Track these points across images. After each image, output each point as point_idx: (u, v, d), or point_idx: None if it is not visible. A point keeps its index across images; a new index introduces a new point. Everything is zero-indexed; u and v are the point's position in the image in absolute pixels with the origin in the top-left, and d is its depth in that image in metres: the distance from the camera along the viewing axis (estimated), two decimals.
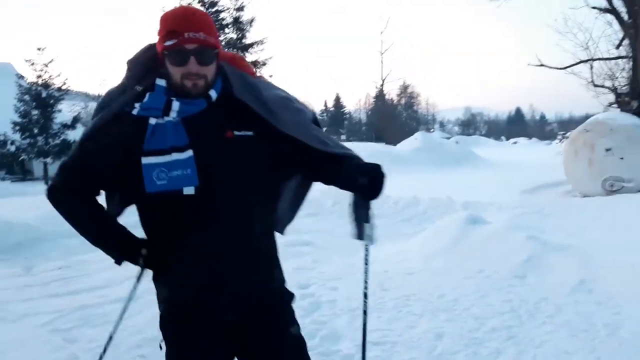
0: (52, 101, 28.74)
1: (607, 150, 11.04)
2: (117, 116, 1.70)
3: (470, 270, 5.37)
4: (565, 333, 3.85)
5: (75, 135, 31.34)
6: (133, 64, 1.80)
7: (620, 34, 16.69)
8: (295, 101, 1.94)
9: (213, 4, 31.39)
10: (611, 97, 17.07)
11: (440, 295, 4.76)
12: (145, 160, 1.65)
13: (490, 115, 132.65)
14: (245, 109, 1.74)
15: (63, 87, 29.64)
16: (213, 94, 1.72)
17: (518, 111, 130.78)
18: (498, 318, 4.16)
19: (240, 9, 31.71)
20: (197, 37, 1.63)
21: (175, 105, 1.66)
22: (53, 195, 1.77)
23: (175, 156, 1.64)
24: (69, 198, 1.77)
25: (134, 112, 1.68)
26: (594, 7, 16.88)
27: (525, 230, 6.14)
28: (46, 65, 28.52)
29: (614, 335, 3.75)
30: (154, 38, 1.77)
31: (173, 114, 1.66)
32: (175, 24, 1.65)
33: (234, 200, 1.71)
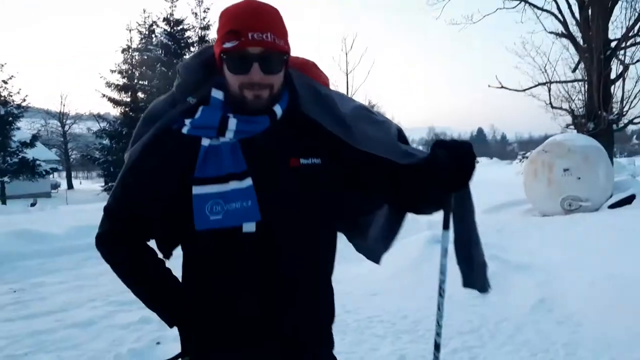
0: (10, 119, 28.03)
1: (565, 170, 11.30)
2: (163, 135, 1.42)
3: (434, 290, 5.35)
4: (525, 353, 3.88)
5: (34, 153, 30.64)
6: (185, 69, 1.51)
7: (576, 58, 17.26)
8: (377, 113, 1.64)
9: (178, 23, 31.31)
10: (568, 118, 17.58)
11: (404, 316, 4.76)
12: (197, 190, 1.35)
13: (453, 134, 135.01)
14: (315, 129, 1.45)
15: (23, 104, 28.98)
16: (278, 109, 1.42)
17: (480, 131, 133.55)
18: (459, 339, 4.18)
19: (205, 27, 31.71)
20: (263, 38, 1.34)
21: (232, 122, 1.38)
22: (102, 246, 1.49)
23: (234, 185, 1.35)
24: (118, 248, 1.48)
25: (184, 130, 1.40)
26: (551, 32, 17.43)
27: (486, 249, 6.20)
28: (5, 82, 27.87)
29: (574, 355, 3.81)
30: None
31: (229, 134, 1.38)
32: (237, 22, 1.36)
33: (298, 242, 1.43)
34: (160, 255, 1.51)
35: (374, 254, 1.78)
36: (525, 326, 4.39)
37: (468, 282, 1.67)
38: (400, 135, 1.60)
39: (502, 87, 17.86)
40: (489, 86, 18.08)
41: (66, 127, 45.54)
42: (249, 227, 1.36)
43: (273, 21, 1.39)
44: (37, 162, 29.69)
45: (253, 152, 1.39)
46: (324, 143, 1.46)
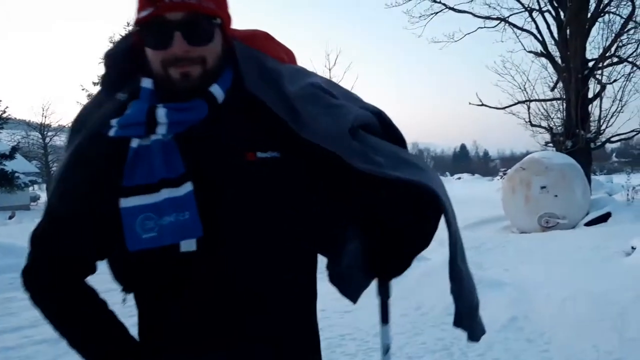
0: None
1: (542, 187, 11.44)
2: (89, 143, 1.15)
3: (407, 307, 5.39)
4: None
5: (14, 165, 30.28)
6: (110, 59, 1.23)
7: (555, 77, 17.57)
8: (340, 93, 1.28)
9: None
10: (548, 136, 17.84)
11: (376, 333, 4.72)
12: (125, 202, 1.09)
13: (436, 150, 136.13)
14: (267, 113, 1.15)
15: (3, 116, 28.71)
16: (217, 91, 1.14)
17: (463, 147, 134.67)
18: (430, 357, 4.17)
19: None
20: (185, 1, 1.07)
21: (161, 114, 1.10)
22: (26, 282, 1.20)
23: (167, 193, 1.08)
24: (45, 288, 1.19)
25: (111, 132, 1.13)
26: (530, 51, 17.73)
27: None
28: None
29: None
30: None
31: (161, 129, 1.11)
32: None
33: (256, 264, 1.13)
34: (101, 295, 1.23)
35: (350, 288, 1.37)
36: (496, 344, 4.40)
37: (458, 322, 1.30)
38: (369, 121, 1.24)
39: (482, 104, 18.08)
40: (469, 104, 18.31)
41: (47, 139, 45.14)
42: (188, 245, 1.09)
43: None
44: (16, 174, 29.33)
45: (193, 149, 1.12)
46: (279, 130, 1.15)
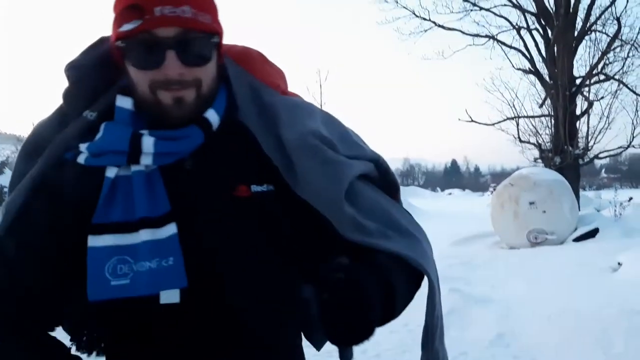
0: None
1: (531, 203, 11.51)
2: (52, 172, 0.98)
3: (395, 324, 5.34)
4: None
5: (3, 180, 30.06)
6: (76, 70, 1.05)
7: (543, 94, 17.75)
8: (339, 134, 1.11)
9: None
10: (536, 152, 17.98)
11: (363, 350, 4.74)
12: (93, 241, 0.93)
13: (428, 166, 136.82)
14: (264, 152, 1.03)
15: None
16: (213, 117, 1.00)
17: (454, 163, 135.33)
18: None
19: None
20: (179, 14, 0.92)
21: (148, 143, 0.95)
22: None
23: (147, 234, 0.93)
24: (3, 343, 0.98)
25: (80, 159, 0.97)
26: (518, 69, 17.93)
27: (449, 283, 6.26)
28: None
29: None
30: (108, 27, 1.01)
31: (146, 160, 0.96)
32: None
33: (251, 315, 0.99)
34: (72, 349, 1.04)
35: (314, 337, 1.19)
36: None
37: None
38: (375, 177, 1.12)
39: (472, 120, 18.22)
40: (459, 120, 18.45)
41: None
42: (170, 296, 0.93)
43: None
44: (5, 189, 29.16)
45: (181, 183, 0.98)
46: (274, 165, 1.02)
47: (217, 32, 0.99)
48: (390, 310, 0.98)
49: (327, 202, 0.99)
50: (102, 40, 1.08)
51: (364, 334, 0.88)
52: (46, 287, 0.98)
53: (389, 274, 0.97)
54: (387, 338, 5.01)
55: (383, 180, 1.16)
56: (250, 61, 1.13)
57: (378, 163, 1.14)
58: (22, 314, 0.98)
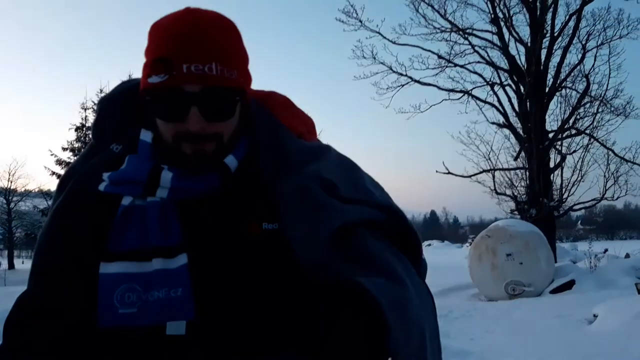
0: None
1: (508, 255, 11.61)
2: (76, 197, 1.04)
3: None
4: None
5: None
6: (105, 105, 1.13)
7: (517, 147, 18.18)
8: (351, 180, 1.07)
9: None
10: (512, 204, 18.26)
11: None
12: (105, 268, 0.95)
13: (407, 216, 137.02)
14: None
15: None
16: (232, 162, 1.03)
17: (433, 214, 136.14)
18: None
19: None
20: (205, 71, 0.95)
21: (166, 177, 0.99)
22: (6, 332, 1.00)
23: (159, 264, 0.95)
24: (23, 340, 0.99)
25: (101, 187, 1.02)
26: (493, 123, 18.40)
27: None
28: None
29: None
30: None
31: (161, 193, 0.99)
32: (166, 44, 0.97)
33: (253, 346, 0.95)
34: None
35: None
36: None
37: None
38: (369, 222, 1.02)
39: (448, 172, 18.52)
40: (436, 172, 18.73)
41: (12, 205, 44.20)
42: (176, 328, 0.93)
43: (221, 43, 0.99)
44: None
45: (194, 217, 0.99)
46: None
47: (242, 88, 1.02)
48: None
49: (302, 248, 0.95)
50: (132, 79, 1.14)
51: None
52: (70, 311, 0.97)
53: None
54: None
55: (397, 231, 1.06)
56: (274, 103, 1.13)
57: (392, 211, 1.06)
58: (51, 330, 0.98)
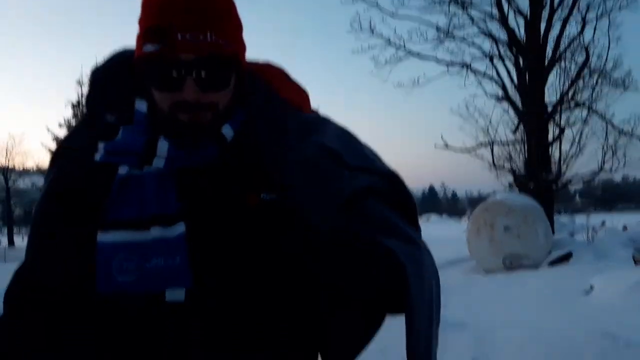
0: None
1: (506, 228, 11.66)
2: (71, 168, 1.04)
3: (370, 351, 5.38)
4: None
5: None
6: (98, 76, 1.11)
7: (516, 121, 18.09)
8: (353, 150, 1.06)
9: None
10: (511, 178, 18.25)
11: None
12: (103, 236, 0.96)
13: None
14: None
15: None
16: (228, 132, 1.03)
17: (432, 189, 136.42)
18: None
19: None
20: (200, 40, 0.94)
21: (163, 147, 0.99)
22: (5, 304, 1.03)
23: (158, 232, 0.96)
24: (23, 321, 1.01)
25: (97, 157, 1.02)
26: (491, 96, 18.27)
27: None
28: None
29: None
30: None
31: (158, 162, 0.99)
32: (161, 13, 0.96)
33: (253, 318, 0.98)
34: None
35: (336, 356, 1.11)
36: None
37: None
38: (373, 189, 1.00)
39: (447, 147, 18.47)
40: (435, 146, 18.69)
41: (10, 182, 44.25)
42: (175, 294, 0.94)
43: (215, 12, 0.98)
44: None
45: (191, 187, 1.00)
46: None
47: (238, 56, 1.01)
48: None
49: (317, 219, 0.95)
50: (126, 50, 1.11)
51: None
52: (69, 283, 0.99)
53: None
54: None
55: (397, 198, 1.06)
56: (269, 74, 1.12)
57: (393, 179, 1.06)
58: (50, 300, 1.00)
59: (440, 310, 1.07)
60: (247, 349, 0.98)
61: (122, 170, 0.99)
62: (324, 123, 1.10)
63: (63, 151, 1.09)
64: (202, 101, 0.96)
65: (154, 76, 0.98)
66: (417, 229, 1.11)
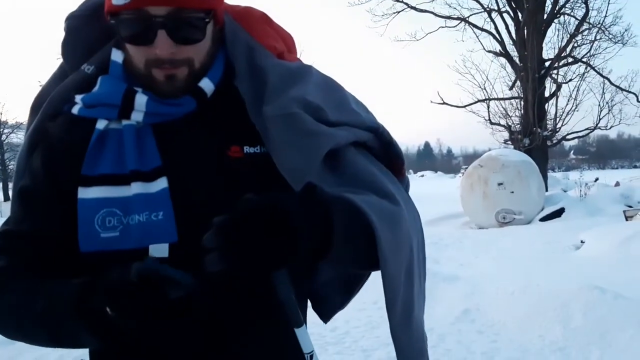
0: None
1: (499, 184, 11.74)
2: (49, 122, 1.02)
3: (365, 302, 5.47)
4: None
5: None
6: (73, 22, 1.05)
7: (513, 76, 18.01)
8: (336, 100, 1.04)
9: None
10: (506, 134, 18.28)
11: (333, 328, 4.83)
12: (83, 192, 0.94)
13: (401, 148, 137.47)
14: None
15: None
16: (207, 85, 0.99)
17: (427, 145, 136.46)
18: (384, 349, 4.28)
19: None
20: None
21: (141, 100, 0.96)
22: None
23: (139, 188, 0.93)
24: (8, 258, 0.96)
25: (74, 110, 0.99)
26: (489, 51, 18.12)
27: None
28: None
29: None
30: None
31: (136, 116, 0.96)
32: None
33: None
34: None
35: (324, 307, 1.20)
36: (448, 336, 4.54)
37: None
38: (358, 142, 1.01)
39: (443, 103, 18.40)
40: (431, 102, 18.62)
41: (3, 137, 43.95)
42: (159, 250, 0.92)
43: None
44: None
45: (172, 141, 0.98)
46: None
47: (213, 6, 0.96)
48: (326, 244, 0.81)
49: (294, 175, 0.95)
50: None
51: (284, 253, 0.75)
52: (53, 235, 0.96)
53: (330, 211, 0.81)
54: (356, 315, 5.11)
55: (384, 151, 1.08)
56: (250, 20, 1.07)
57: (378, 132, 1.07)
58: (39, 256, 0.96)
59: (424, 264, 1.05)
60: (233, 304, 0.96)
61: (100, 124, 0.97)
62: (307, 73, 1.06)
63: (42, 100, 1.05)
64: (177, 57, 0.93)
65: (125, 31, 0.93)
66: (403, 179, 1.12)
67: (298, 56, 1.16)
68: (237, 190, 0.88)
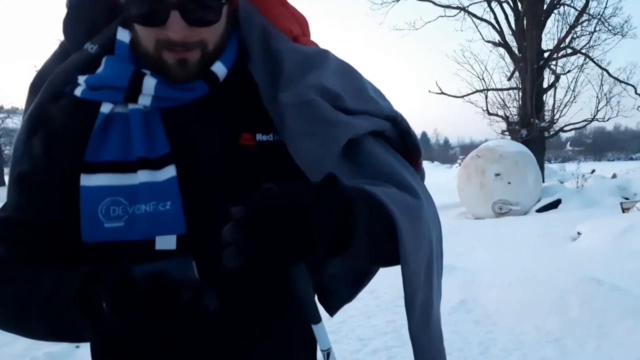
0: None
1: (496, 175, 11.74)
2: (50, 103, 0.96)
3: (362, 291, 5.51)
4: None
5: None
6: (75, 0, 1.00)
7: (512, 67, 17.95)
8: (354, 88, 1.00)
9: None
10: (504, 125, 18.26)
11: (329, 317, 4.83)
12: (86, 180, 0.89)
13: None
14: None
15: None
16: (220, 69, 0.94)
17: (424, 135, 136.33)
18: (381, 338, 4.28)
19: None
20: None
21: (149, 84, 0.90)
22: None
23: (145, 176, 0.89)
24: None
25: (77, 92, 0.94)
26: (488, 41, 18.06)
27: None
28: None
29: (486, 354, 3.97)
30: None
31: (144, 100, 0.91)
32: None
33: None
34: None
35: (330, 300, 1.17)
36: (445, 326, 4.44)
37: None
38: (376, 132, 0.97)
39: (441, 92, 18.36)
40: (429, 92, 18.57)
41: None
42: (166, 242, 0.88)
43: None
44: None
45: (181, 127, 0.93)
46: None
47: None
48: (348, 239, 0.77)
49: (312, 166, 0.90)
50: None
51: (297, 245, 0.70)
52: (54, 224, 0.91)
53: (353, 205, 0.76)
54: (352, 304, 5.10)
55: (401, 141, 1.03)
56: (265, 1, 1.02)
57: (396, 122, 1.02)
58: (37, 245, 0.92)
59: (442, 260, 1.01)
60: (241, 297, 0.93)
61: (105, 108, 0.92)
62: (324, 59, 1.01)
63: (42, 81, 0.99)
64: (190, 39, 0.87)
65: (135, 10, 0.87)
66: (420, 171, 1.08)
67: None
68: (249, 180, 0.85)
